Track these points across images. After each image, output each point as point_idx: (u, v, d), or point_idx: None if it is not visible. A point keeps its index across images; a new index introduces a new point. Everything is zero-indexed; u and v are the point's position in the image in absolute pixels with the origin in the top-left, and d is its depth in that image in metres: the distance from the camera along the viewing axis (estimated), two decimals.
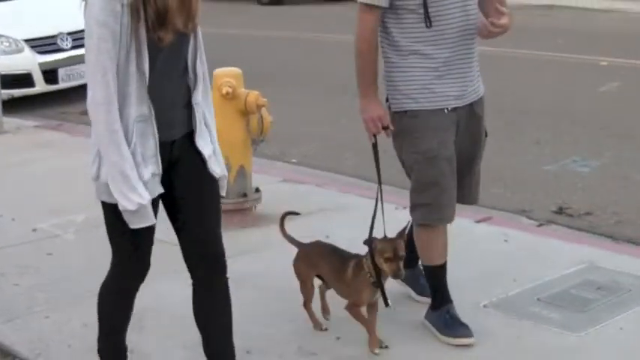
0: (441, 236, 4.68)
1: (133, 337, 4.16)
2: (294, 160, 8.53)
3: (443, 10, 4.43)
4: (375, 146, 4.57)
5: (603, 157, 8.21)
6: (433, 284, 4.77)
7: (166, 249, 4.35)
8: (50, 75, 11.57)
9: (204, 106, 3.78)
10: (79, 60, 11.44)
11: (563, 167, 8.03)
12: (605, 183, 7.54)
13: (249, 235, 6.18)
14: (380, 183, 4.54)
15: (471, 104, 4.62)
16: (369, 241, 4.37)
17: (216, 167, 3.80)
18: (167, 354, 4.55)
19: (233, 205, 6.24)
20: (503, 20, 4.41)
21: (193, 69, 3.71)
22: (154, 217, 3.60)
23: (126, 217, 3.56)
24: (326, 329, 4.72)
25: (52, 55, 11.62)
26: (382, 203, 4.45)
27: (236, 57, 12.08)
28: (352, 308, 4.48)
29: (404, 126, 4.54)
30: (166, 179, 3.66)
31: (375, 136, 4.54)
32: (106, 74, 3.44)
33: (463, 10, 4.47)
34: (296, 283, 4.77)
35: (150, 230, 3.67)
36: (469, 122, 4.64)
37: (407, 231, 4.45)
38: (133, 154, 3.51)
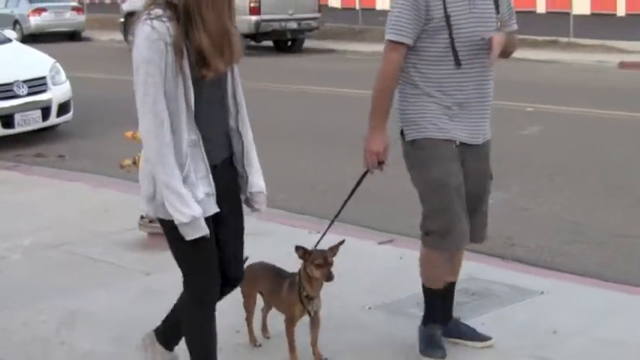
0: (447, 264, 4.98)
1: (64, 334, 4.92)
2: None
3: (464, 55, 4.71)
4: (364, 175, 4.90)
5: (510, 191, 9.03)
6: (427, 302, 5.09)
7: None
8: (7, 120, 12.12)
9: (243, 132, 4.19)
10: (34, 106, 12.28)
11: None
12: (506, 212, 8.33)
13: None
14: (340, 209, 4.94)
15: (479, 145, 4.89)
16: (299, 249, 4.73)
17: (261, 182, 4.27)
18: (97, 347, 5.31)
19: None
20: (494, 41, 4.65)
21: (233, 98, 4.14)
22: (206, 228, 3.93)
23: (181, 230, 3.91)
24: (260, 345, 5.17)
25: (9, 101, 12.16)
26: (329, 226, 4.95)
27: None
28: (287, 323, 4.84)
29: (416, 156, 4.82)
30: None
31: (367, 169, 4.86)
32: (155, 104, 3.84)
33: (478, 61, 4.75)
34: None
35: (211, 243, 4.04)
36: (477, 162, 4.90)
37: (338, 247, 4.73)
38: (188, 176, 3.91)
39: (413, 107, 4.80)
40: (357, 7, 33.11)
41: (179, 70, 3.87)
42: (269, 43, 26.43)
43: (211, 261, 4.11)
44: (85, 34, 35.40)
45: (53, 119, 12.76)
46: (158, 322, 4.67)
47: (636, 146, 11.31)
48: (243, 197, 4.29)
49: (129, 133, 6.99)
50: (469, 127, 4.81)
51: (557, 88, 16.97)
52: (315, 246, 4.78)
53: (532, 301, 5.87)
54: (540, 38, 24.30)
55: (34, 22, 33.87)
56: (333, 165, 10.43)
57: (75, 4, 36.79)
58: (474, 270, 6.25)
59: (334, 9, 39.18)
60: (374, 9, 38.83)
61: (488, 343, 5.11)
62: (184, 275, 4.16)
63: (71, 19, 34.85)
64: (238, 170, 4.22)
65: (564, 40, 24.74)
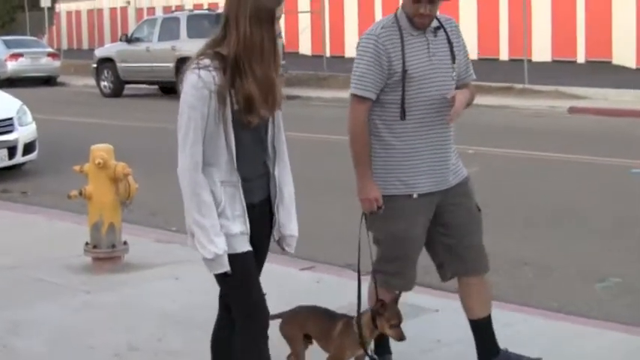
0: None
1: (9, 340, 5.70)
2: (174, 228, 10.07)
3: (419, 108, 4.95)
4: (365, 218, 5.11)
5: None
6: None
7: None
8: None
9: (282, 176, 4.39)
10: (1, 145, 13.12)
11: None
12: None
13: (117, 276, 7.70)
14: (359, 249, 5.08)
15: (455, 186, 5.12)
16: (379, 301, 4.94)
17: (294, 226, 4.43)
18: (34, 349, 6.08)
19: (104, 254, 7.78)
20: (455, 101, 4.91)
21: (272, 144, 4.33)
22: (227, 265, 4.10)
23: (206, 265, 4.13)
24: None
25: None
26: (359, 265, 5.15)
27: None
28: None
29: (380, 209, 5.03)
30: None
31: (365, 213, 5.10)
32: (193, 147, 4.07)
33: (438, 111, 4.98)
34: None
35: (255, 276, 4.27)
36: (458, 201, 5.12)
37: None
38: (223, 213, 4.12)
39: (381, 162, 5.04)
40: (327, 54, 34.06)
41: (221, 116, 4.08)
42: None
43: (260, 293, 4.30)
44: (60, 79, 36.34)
45: (19, 158, 13.51)
46: (89, 330, 5.46)
47: (557, 184, 12.22)
48: (274, 238, 4.46)
49: (77, 167, 7.85)
50: (433, 174, 5.04)
51: (503, 131, 17.91)
52: (358, 301, 5.05)
53: (426, 317, 6.60)
54: (496, 85, 25.18)
55: (11, 67, 34.89)
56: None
57: (51, 50, 37.75)
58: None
59: (304, 56, 40.10)
60: (342, 56, 39.84)
61: None
62: (236, 306, 4.31)
63: (47, 64, 35.81)
64: (273, 212, 4.41)
65: (519, 86, 25.67)
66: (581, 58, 34.89)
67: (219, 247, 4.07)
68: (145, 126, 20.48)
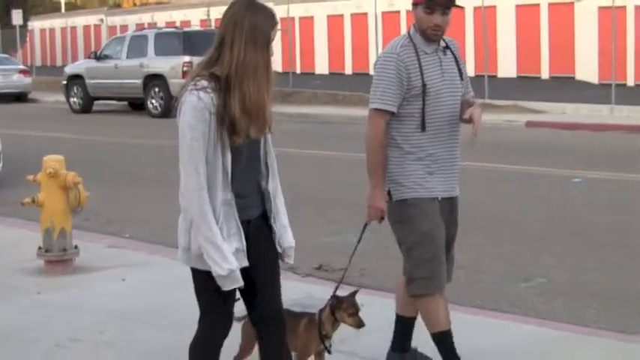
0: (442, 303, 5.37)
1: None
2: (127, 235, 10.50)
3: (434, 120, 5.22)
4: (365, 226, 5.40)
5: (379, 233, 10.25)
6: (443, 350, 5.46)
7: None
8: None
9: (275, 191, 4.47)
10: None
11: (341, 239, 10.10)
12: (368, 250, 9.57)
13: (68, 277, 8.17)
14: (352, 254, 5.44)
15: (451, 198, 5.42)
16: (334, 297, 5.26)
17: (290, 237, 4.52)
18: None
19: (56, 257, 8.24)
20: (475, 117, 5.17)
21: (265, 162, 4.41)
22: (241, 280, 4.19)
23: (219, 281, 4.16)
24: None
25: None
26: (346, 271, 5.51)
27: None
28: (300, 357, 5.26)
29: (405, 213, 5.29)
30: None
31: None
32: (198, 167, 4.09)
33: (450, 123, 5.29)
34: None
35: (233, 291, 4.30)
36: (450, 213, 5.41)
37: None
38: (220, 231, 4.15)
39: (398, 169, 5.29)
40: (298, 70, 34.61)
41: (219, 137, 4.12)
42: None
43: (230, 307, 4.43)
44: (31, 95, 36.68)
45: None
46: (36, 325, 5.91)
47: (500, 193, 12.80)
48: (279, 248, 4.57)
49: (30, 177, 8.32)
50: (445, 182, 5.34)
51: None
52: (334, 292, 5.36)
53: None
54: None
55: None
56: None
57: (22, 67, 38.11)
58: (312, 290, 7.62)
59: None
60: (313, 73, 40.48)
61: None
62: (203, 312, 4.46)
63: (18, 81, 36.14)
64: (270, 225, 4.48)
65: (479, 101, 26.10)
66: (545, 74, 35.58)
67: (233, 264, 4.15)
68: (108, 140, 21.12)
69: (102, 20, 55.78)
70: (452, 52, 5.39)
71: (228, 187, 4.20)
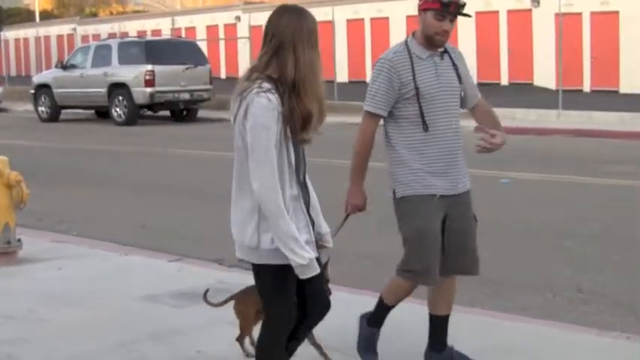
0: (409, 292, 5.70)
1: None
2: (74, 233, 11.30)
3: (435, 119, 5.38)
4: (346, 217, 5.65)
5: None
6: (380, 311, 5.89)
7: None
8: None
9: (308, 184, 4.67)
10: None
11: None
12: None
13: (10, 267, 8.99)
14: (337, 231, 5.39)
15: (461, 194, 5.55)
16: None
17: (325, 223, 4.75)
18: None
19: (0, 249, 9.09)
20: (496, 140, 5.40)
21: (303, 156, 4.59)
22: (318, 268, 4.37)
23: (297, 271, 4.30)
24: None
25: None
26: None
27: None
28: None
29: (404, 208, 5.50)
30: None
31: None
32: (273, 165, 4.25)
33: (447, 124, 5.43)
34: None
35: (294, 286, 4.49)
36: (461, 209, 5.55)
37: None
38: None
39: (399, 169, 5.49)
40: None
41: (284, 135, 4.31)
42: (167, 113, 28.79)
43: (294, 300, 4.57)
44: (3, 104, 37.42)
45: None
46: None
47: None
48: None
49: None
50: (447, 180, 5.48)
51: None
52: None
53: None
54: None
55: None
56: (186, 211, 12.65)
57: None
58: (228, 278, 8.48)
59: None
60: None
61: None
62: (270, 309, 4.60)
63: None
64: (310, 217, 4.62)
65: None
66: (504, 81, 36.44)
67: (311, 253, 4.32)
68: (70, 147, 22.09)
69: (74, 29, 56.37)
70: (450, 57, 5.59)
71: (294, 182, 4.42)
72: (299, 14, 4.41)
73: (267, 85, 4.28)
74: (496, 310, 7.44)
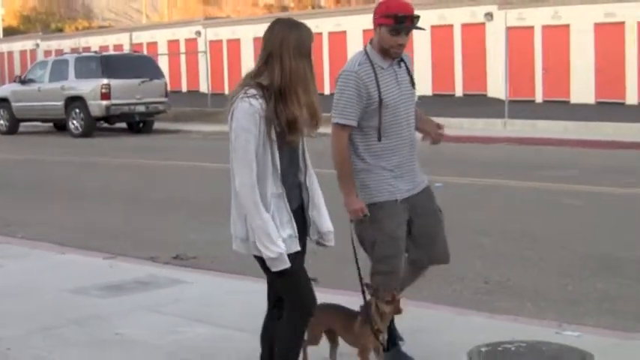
0: None
1: None
2: (19, 235, 11.72)
3: (394, 129, 5.61)
4: (356, 226, 5.75)
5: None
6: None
7: None
8: None
9: (312, 184, 4.90)
10: None
11: (203, 235, 11.33)
12: (220, 240, 10.90)
13: None
14: (353, 247, 5.57)
15: (421, 191, 5.81)
16: (369, 287, 5.51)
17: (329, 223, 4.96)
18: None
19: None
20: (440, 130, 5.87)
21: (303, 158, 4.87)
22: (288, 262, 4.60)
23: (268, 263, 4.61)
24: None
25: None
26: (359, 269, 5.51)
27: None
28: (362, 353, 5.51)
29: (373, 214, 5.64)
30: None
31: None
32: (251, 164, 4.56)
33: (408, 130, 5.71)
34: None
35: (304, 271, 4.81)
36: (425, 204, 5.83)
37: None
38: (273, 220, 4.60)
39: (364, 176, 5.70)
40: (227, 91, 35.87)
41: (267, 137, 4.60)
42: (123, 125, 29.26)
43: (309, 284, 4.86)
44: None
45: None
46: None
47: None
48: (313, 238, 4.97)
49: None
50: (407, 183, 5.73)
51: None
52: (362, 289, 5.53)
53: (182, 286, 8.44)
54: None
55: None
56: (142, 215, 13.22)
57: None
58: (158, 272, 9.00)
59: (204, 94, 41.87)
60: (223, 93, 41.80)
61: None
62: (288, 294, 4.85)
63: None
64: (306, 216, 4.91)
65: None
66: (459, 92, 37.11)
67: (281, 247, 4.59)
68: (24, 158, 22.64)
69: (37, 45, 56.62)
70: (405, 64, 5.78)
71: (278, 181, 4.68)
72: (289, 26, 4.70)
73: (252, 91, 4.58)
74: (406, 298, 7.95)
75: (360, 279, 5.52)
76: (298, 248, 4.75)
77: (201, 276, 8.92)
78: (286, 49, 4.60)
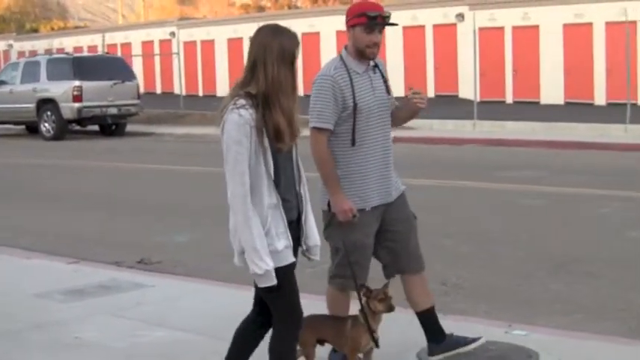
0: (342, 298, 5.90)
1: None
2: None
3: (368, 134, 5.60)
4: (326, 227, 5.73)
5: (208, 230, 11.80)
6: None
7: None
8: None
9: (304, 195, 4.85)
10: None
11: (169, 238, 11.46)
12: (190, 247, 11.11)
13: None
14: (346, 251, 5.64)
15: (395, 199, 5.77)
16: (362, 287, 5.51)
17: (316, 236, 4.92)
18: None
19: None
20: (422, 94, 5.68)
21: (297, 168, 4.82)
22: (275, 279, 4.54)
23: (255, 278, 4.57)
24: None
25: None
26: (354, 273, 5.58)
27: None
28: (352, 352, 5.54)
29: (336, 220, 5.65)
30: None
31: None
32: (243, 176, 4.49)
33: (383, 136, 5.66)
34: None
35: (293, 285, 4.73)
36: (398, 210, 5.79)
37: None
38: (269, 231, 4.55)
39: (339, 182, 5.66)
40: (201, 93, 35.99)
41: (260, 147, 4.54)
42: (96, 127, 29.32)
43: (297, 299, 4.81)
44: None
45: None
46: None
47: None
48: (302, 248, 4.93)
49: None
50: (381, 190, 5.70)
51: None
52: (358, 292, 5.55)
53: (144, 290, 8.56)
54: None
55: None
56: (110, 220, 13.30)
57: None
58: (121, 276, 9.14)
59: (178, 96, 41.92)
60: (196, 95, 41.91)
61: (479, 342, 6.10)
62: (281, 311, 4.80)
63: None
64: (300, 226, 4.85)
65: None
66: (431, 93, 37.26)
67: (269, 264, 4.51)
68: None
69: (11, 45, 56.44)
70: (379, 70, 5.78)
71: (273, 191, 4.61)
72: (273, 32, 4.66)
73: (241, 102, 4.53)
74: None
75: (355, 282, 5.55)
76: (293, 259, 4.73)
77: (162, 280, 9.06)
78: (270, 55, 4.58)
